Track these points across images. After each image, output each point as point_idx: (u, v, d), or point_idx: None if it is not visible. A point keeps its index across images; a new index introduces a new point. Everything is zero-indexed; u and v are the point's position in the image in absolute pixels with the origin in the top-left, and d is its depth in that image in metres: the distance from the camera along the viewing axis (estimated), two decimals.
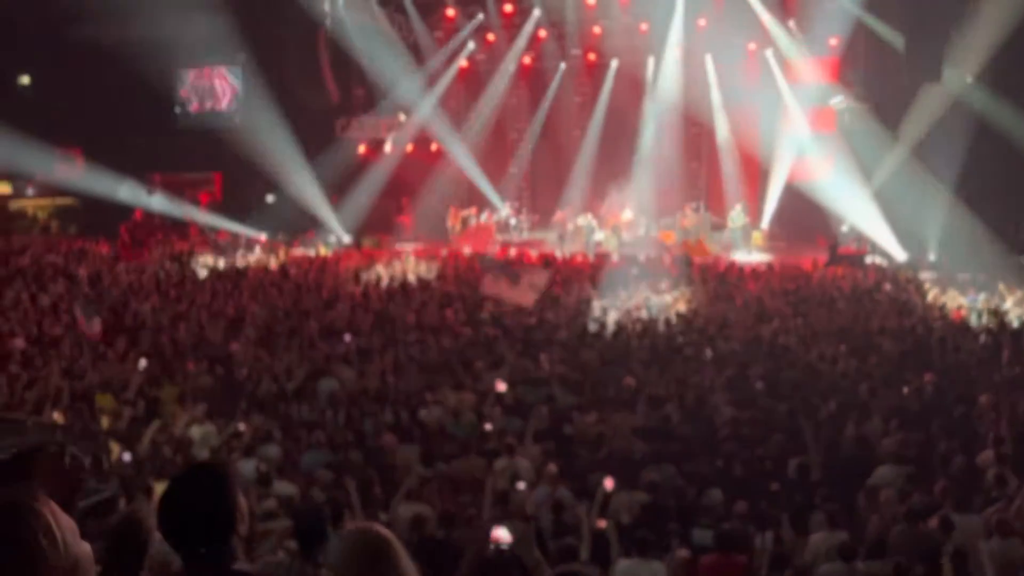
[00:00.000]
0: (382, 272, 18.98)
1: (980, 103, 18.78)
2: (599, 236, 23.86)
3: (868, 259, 20.26)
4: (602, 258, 21.46)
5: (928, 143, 19.65)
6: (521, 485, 6.71)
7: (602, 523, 5.91)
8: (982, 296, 15.29)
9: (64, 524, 1.68)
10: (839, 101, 22.19)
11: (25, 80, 25.27)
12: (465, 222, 25.47)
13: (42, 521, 1.63)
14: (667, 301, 15.54)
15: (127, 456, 7.21)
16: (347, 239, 25.11)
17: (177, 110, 28.93)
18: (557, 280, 16.03)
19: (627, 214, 24.84)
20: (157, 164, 27.14)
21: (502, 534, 4.96)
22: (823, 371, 10.15)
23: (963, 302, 14.95)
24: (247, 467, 6.84)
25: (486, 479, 6.99)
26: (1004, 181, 18.99)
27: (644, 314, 14.27)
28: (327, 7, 22.39)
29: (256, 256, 22.31)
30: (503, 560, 4.25)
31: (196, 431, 7.83)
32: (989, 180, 18.79)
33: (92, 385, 9.24)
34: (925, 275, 18.09)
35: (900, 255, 20.23)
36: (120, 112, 24.40)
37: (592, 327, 13.06)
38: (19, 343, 11.28)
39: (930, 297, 15.62)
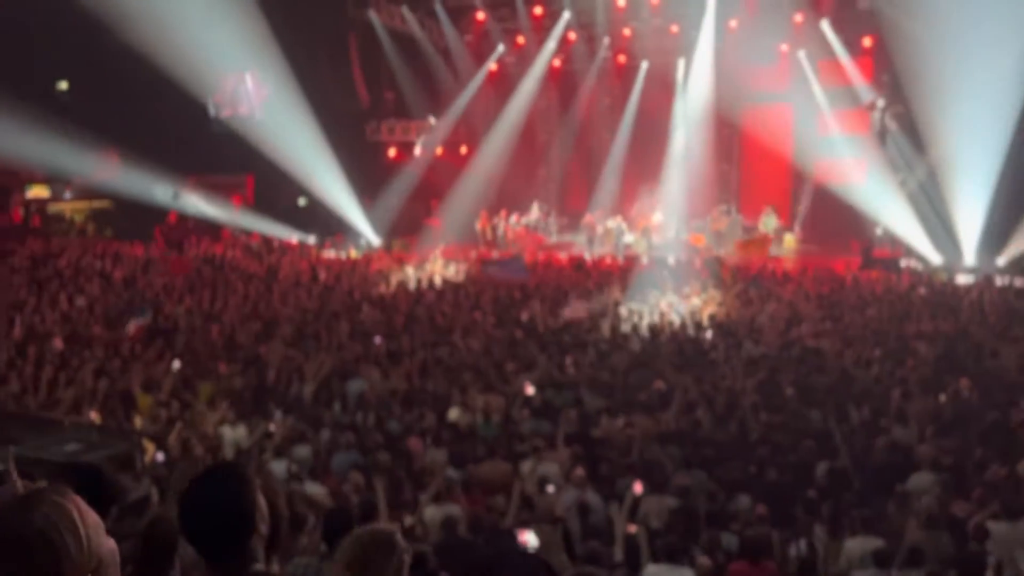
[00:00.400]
0: (411, 274, 19.06)
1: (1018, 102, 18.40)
2: (629, 239, 23.77)
3: (903, 262, 19.95)
4: (631, 260, 21.37)
5: (965, 144, 19.30)
6: (550, 488, 6.69)
7: (632, 528, 5.87)
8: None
9: (90, 520, 1.67)
10: (873, 102, 21.89)
11: (63, 85, 25.74)
12: (495, 227, 25.54)
13: (66, 517, 1.63)
14: (695, 304, 15.43)
15: (160, 456, 7.31)
16: (377, 242, 25.26)
17: (210, 114, 29.30)
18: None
19: (657, 217, 24.71)
20: (191, 167, 27.51)
21: (529, 538, 4.95)
22: (857, 376, 10.00)
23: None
24: (278, 468, 6.89)
25: (514, 482, 6.98)
26: None
27: (674, 317, 14.18)
28: (357, 12, 22.55)
29: (287, 258, 22.50)
30: (530, 564, 4.24)
31: (227, 432, 7.91)
32: None
33: (127, 386, 9.36)
34: (961, 279, 17.77)
35: (936, 258, 19.89)
36: (155, 116, 24.75)
37: (625, 328, 13.04)
38: (58, 343, 11.49)
39: (966, 301, 15.34)
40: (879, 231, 21.96)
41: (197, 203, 26.35)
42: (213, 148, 26.95)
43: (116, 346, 11.36)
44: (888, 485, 6.89)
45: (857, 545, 5.80)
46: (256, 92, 29.68)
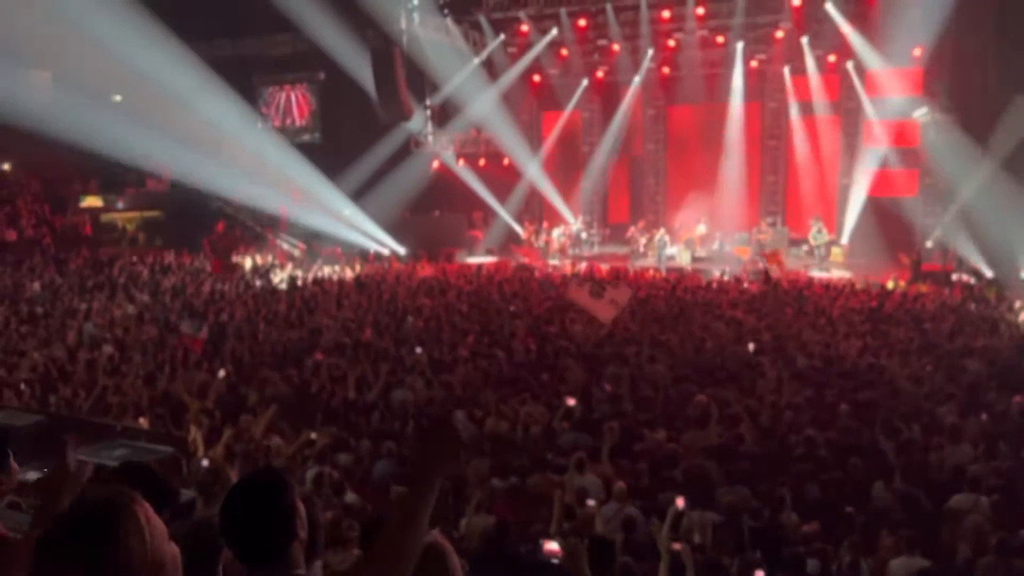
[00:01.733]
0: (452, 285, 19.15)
1: None
2: (672, 251, 23.61)
3: (954, 276, 19.50)
4: (675, 273, 21.22)
5: (1018, 156, 18.84)
6: (591, 502, 6.65)
7: (678, 545, 5.80)
8: None
9: (156, 526, 1.75)
10: (923, 113, 21.47)
11: (118, 98, 26.46)
12: (539, 237, 25.60)
13: (135, 522, 1.70)
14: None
15: (205, 462, 7.43)
16: (403, 253, 25.49)
17: (259, 125, 29.86)
18: (638, 297, 16.03)
19: (701, 228, 24.52)
20: (239, 178, 28.02)
21: (553, 547, 4.93)
22: (906, 391, 9.78)
23: None
24: (318, 475, 6.96)
25: (555, 494, 6.96)
26: None
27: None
28: (403, 24, 22.82)
29: (333, 268, 22.81)
30: (551, 573, 4.22)
31: (273, 439, 8.01)
32: None
33: (176, 392, 9.55)
34: (1015, 294, 17.31)
35: (988, 273, 19.40)
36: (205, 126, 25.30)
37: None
38: (108, 350, 11.77)
39: (1021, 317, 14.93)
40: (929, 244, 21.51)
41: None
42: (262, 159, 27.39)
43: (166, 353, 11.59)
44: (939, 505, 6.73)
45: (902, 566, 5.67)
46: (302, 104, 30.19)
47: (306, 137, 30.00)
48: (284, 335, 13.22)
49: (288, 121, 30.86)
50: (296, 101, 30.68)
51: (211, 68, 24.74)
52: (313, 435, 7.71)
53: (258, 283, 19.63)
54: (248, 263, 22.97)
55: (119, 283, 18.09)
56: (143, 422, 8.40)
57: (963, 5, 18.75)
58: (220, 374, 10.05)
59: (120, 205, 29.82)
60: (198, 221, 26.60)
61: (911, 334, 13.06)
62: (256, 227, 27.54)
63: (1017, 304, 15.91)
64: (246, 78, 29.00)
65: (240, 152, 25.95)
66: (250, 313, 15.04)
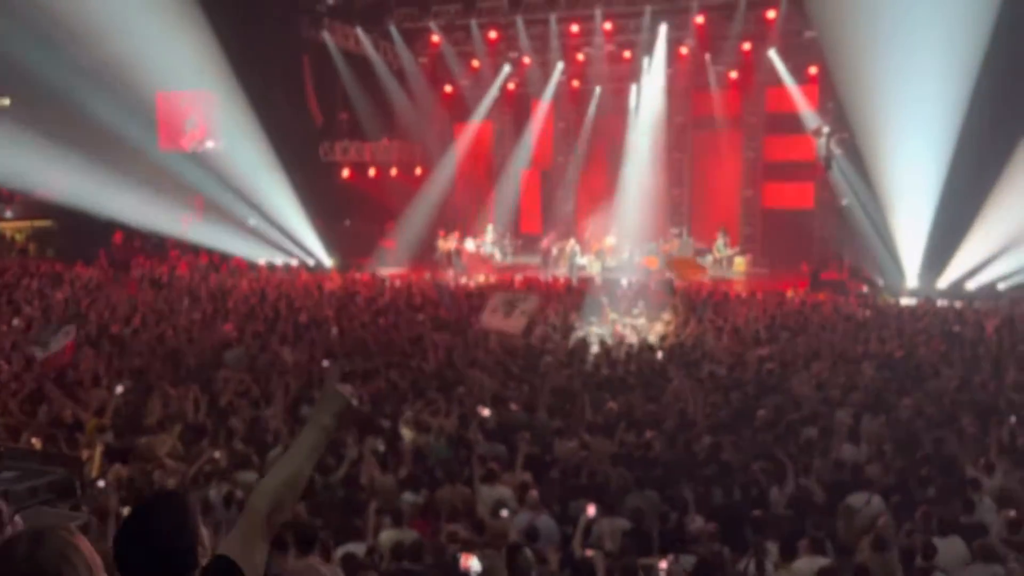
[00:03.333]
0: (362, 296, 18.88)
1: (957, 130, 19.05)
2: (582, 261, 23.94)
3: (849, 285, 20.40)
4: (585, 283, 21.49)
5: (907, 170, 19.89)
6: (504, 512, 6.65)
7: (589, 552, 5.84)
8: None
9: (96, 558, 1.78)
10: (818, 129, 22.45)
11: (5, 101, 25.15)
12: (451, 248, 25.54)
13: (82, 555, 1.74)
14: (641, 324, 15.60)
15: (102, 483, 7.09)
16: (328, 263, 25.02)
17: (158, 133, 28.85)
18: (548, 305, 16.17)
19: (610, 239, 24.97)
20: (137, 185, 26.97)
21: (472, 564, 4.91)
22: (806, 396, 10.15)
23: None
24: (219, 495, 6.73)
25: (468, 506, 6.93)
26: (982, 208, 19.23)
27: (630, 338, 14.28)
28: (311, 33, 22.48)
29: (238, 279, 22.14)
30: None
31: (171, 457, 7.71)
32: (965, 208, 19.02)
33: (70, 410, 9.09)
34: (905, 301, 18.24)
35: (880, 281, 20.39)
36: (102, 133, 24.28)
37: (593, 349, 13.08)
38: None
39: (909, 323, 15.70)
40: (826, 254, 22.49)
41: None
42: (161, 166, 26.50)
43: (54, 369, 11.01)
44: (837, 505, 6.99)
45: (805, 565, 5.86)
46: (207, 111, 29.31)
47: (209, 145, 29.11)
48: (187, 349, 12.76)
49: (190, 128, 29.90)
50: (201, 108, 29.75)
51: (107, 72, 23.76)
52: (216, 453, 7.44)
53: (155, 295, 18.89)
54: (147, 275, 22.08)
55: (6, 297, 17.14)
56: (35, 443, 7.95)
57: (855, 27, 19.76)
58: (118, 390, 9.62)
59: (8, 214, 28.30)
60: (93, 231, 25.46)
61: (810, 341, 13.57)
62: (155, 237, 26.52)
63: (906, 311, 16.74)
64: (144, 82, 27.93)
65: (138, 160, 25.01)
66: (149, 326, 14.46)
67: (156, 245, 25.98)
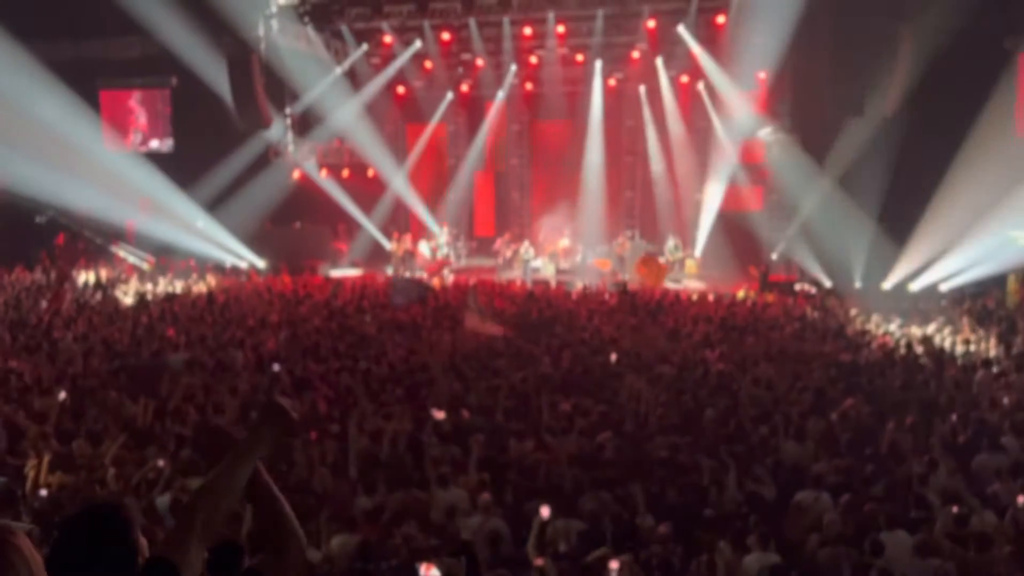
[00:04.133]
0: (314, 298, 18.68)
1: (899, 137, 19.56)
2: (537, 263, 24.00)
3: (797, 286, 20.78)
4: (540, 285, 21.57)
5: (852, 175, 20.36)
6: (459, 516, 6.62)
7: (539, 561, 5.84)
8: (897, 322, 15.82)
9: (35, 558, 1.77)
10: (767, 133, 22.85)
11: None
12: (406, 250, 25.41)
13: (20, 555, 1.72)
14: None
15: (44, 491, 6.90)
16: (261, 266, 24.70)
17: (102, 132, 28.20)
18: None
19: (564, 241, 25.10)
20: (81, 186, 26.33)
21: (433, 573, 4.88)
22: (756, 396, 10.30)
23: (890, 328, 15.42)
24: (163, 502, 6.59)
25: (423, 510, 6.88)
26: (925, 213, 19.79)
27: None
28: (261, 31, 22.12)
29: (185, 282, 21.74)
30: None
31: (115, 465, 7.52)
32: (910, 210, 19.55)
33: (10, 417, 8.81)
34: (851, 302, 18.64)
35: (827, 282, 20.82)
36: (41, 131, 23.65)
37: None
38: None
39: (857, 324, 16.06)
40: (775, 256, 22.86)
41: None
42: (107, 167, 25.89)
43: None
44: (787, 502, 7.11)
45: (755, 561, 5.94)
46: (154, 110, 28.71)
47: (155, 144, 28.51)
48: (133, 353, 12.46)
49: (137, 128, 29.26)
50: (145, 107, 29.13)
51: (49, 70, 23.14)
52: (160, 462, 7.26)
53: (99, 298, 18.44)
54: (91, 278, 21.53)
55: None
56: None
57: (802, 34, 20.13)
58: (60, 396, 9.35)
59: None
60: (34, 233, 24.77)
61: (759, 342, 13.79)
62: (99, 239, 25.90)
63: (853, 312, 17.11)
64: (89, 81, 27.25)
65: (81, 160, 24.40)
66: (93, 330, 14.11)
67: (100, 247, 25.35)
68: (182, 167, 25.48)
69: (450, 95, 26.85)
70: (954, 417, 9.13)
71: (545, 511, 6.26)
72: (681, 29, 22.44)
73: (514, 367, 11.79)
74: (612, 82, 25.36)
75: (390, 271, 24.16)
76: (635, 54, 23.97)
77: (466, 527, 6.48)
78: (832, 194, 20.54)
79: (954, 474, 7.64)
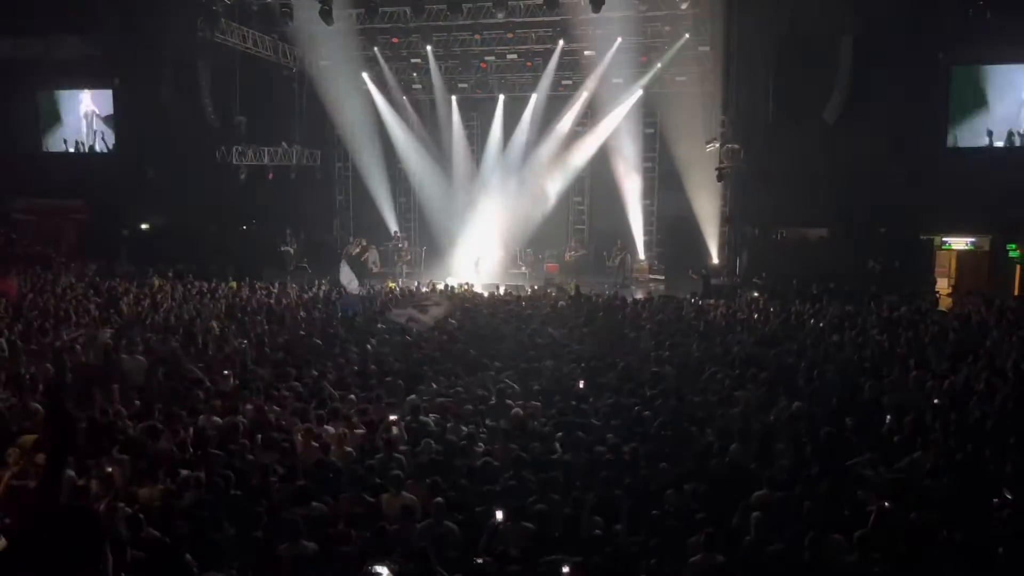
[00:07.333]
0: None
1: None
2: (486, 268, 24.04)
3: (738, 290, 21.21)
4: (491, 289, 21.61)
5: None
6: (410, 520, 6.65)
7: (479, 560, 5.91)
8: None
9: None
10: (712, 140, 23.27)
11: None
12: (360, 254, 25.26)
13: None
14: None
15: None
16: (225, 268, 24.28)
17: (44, 133, 27.50)
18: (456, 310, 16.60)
19: (511, 247, 25.27)
20: (20, 189, 25.66)
21: (382, 571, 4.91)
22: (700, 398, 10.51)
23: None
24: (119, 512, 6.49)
25: (374, 514, 6.89)
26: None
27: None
28: (209, 34, 21.74)
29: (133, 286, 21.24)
30: None
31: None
32: None
33: None
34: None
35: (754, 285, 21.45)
36: None
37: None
38: None
39: (809, 325, 16.32)
40: (715, 261, 23.37)
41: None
42: (46, 169, 25.30)
43: None
44: (732, 503, 7.25)
45: (700, 561, 6.09)
46: (96, 111, 28.04)
47: (98, 146, 27.80)
48: (74, 361, 12.16)
49: (79, 128, 28.49)
50: (89, 108, 28.39)
51: None
52: (109, 468, 7.15)
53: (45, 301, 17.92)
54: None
55: None
56: None
57: (746, 49, 20.75)
58: None
59: None
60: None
61: (704, 344, 14.03)
62: (38, 242, 25.21)
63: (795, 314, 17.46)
64: (24, 81, 26.45)
65: (19, 162, 23.76)
66: (35, 334, 13.73)
67: (39, 252, 24.67)
68: (126, 168, 24.97)
69: (404, 98, 26.72)
70: (888, 418, 9.41)
71: (499, 514, 6.33)
72: (630, 37, 22.75)
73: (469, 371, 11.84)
74: (560, 88, 25.55)
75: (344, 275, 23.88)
76: (583, 61, 24.30)
77: (417, 532, 6.51)
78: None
79: (890, 472, 7.89)
